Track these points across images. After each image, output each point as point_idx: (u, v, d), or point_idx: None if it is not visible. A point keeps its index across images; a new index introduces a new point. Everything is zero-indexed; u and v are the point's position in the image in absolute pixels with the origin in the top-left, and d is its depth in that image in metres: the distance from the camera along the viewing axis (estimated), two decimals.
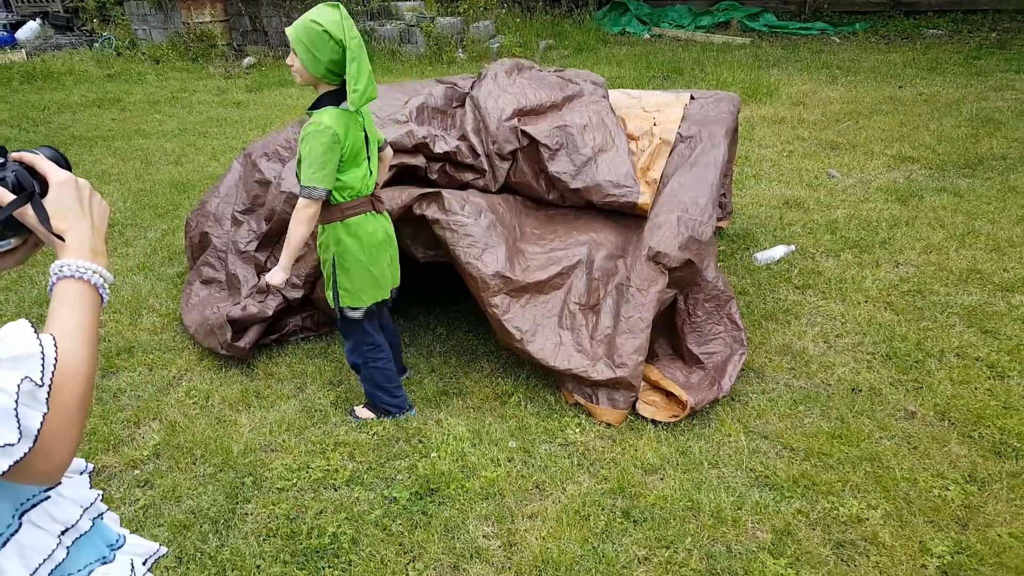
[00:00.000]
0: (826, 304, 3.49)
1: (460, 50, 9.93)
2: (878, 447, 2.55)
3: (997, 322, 3.25)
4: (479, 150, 3.24)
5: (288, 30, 2.36)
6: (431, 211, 2.86)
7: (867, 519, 2.25)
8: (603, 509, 2.34)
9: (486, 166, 3.24)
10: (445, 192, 2.87)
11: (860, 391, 2.86)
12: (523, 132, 3.20)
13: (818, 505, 2.32)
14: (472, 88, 3.54)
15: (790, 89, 7.63)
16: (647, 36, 11.30)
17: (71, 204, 0.98)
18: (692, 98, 3.64)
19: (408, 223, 2.99)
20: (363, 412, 2.86)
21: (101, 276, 0.96)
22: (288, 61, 2.43)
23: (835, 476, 2.43)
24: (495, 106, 3.27)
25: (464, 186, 3.25)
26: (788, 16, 11.64)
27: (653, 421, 2.73)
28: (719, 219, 4.15)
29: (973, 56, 8.71)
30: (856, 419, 2.70)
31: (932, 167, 5.24)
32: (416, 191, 2.91)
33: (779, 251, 3.99)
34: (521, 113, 3.28)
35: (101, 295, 0.96)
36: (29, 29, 11.70)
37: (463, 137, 3.28)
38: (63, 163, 1.04)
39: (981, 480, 2.38)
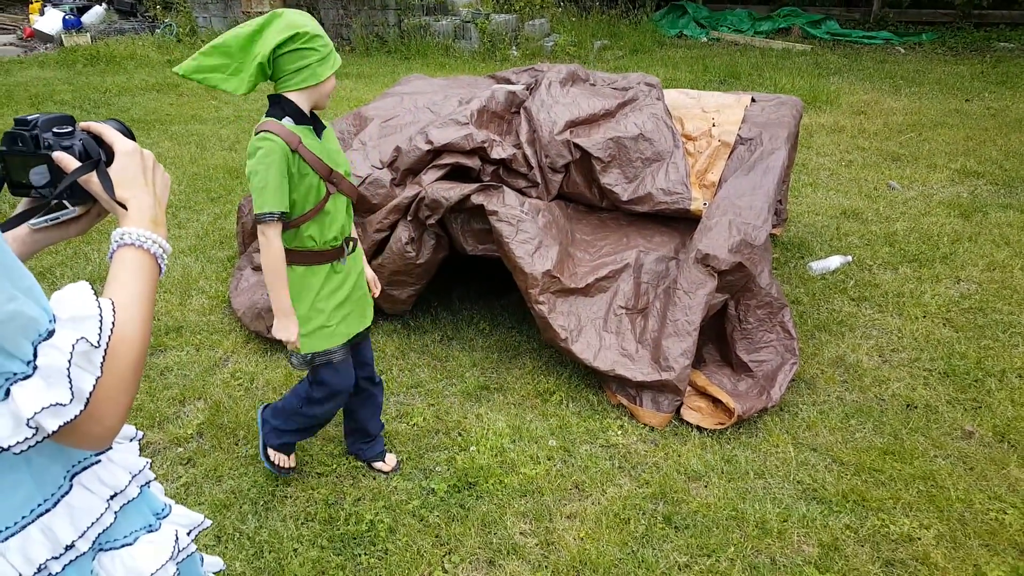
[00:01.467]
0: (882, 318, 3.37)
1: (514, 47, 9.91)
2: (932, 466, 2.45)
3: None
4: (532, 161, 3.23)
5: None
6: (491, 203, 2.85)
7: (919, 539, 2.16)
8: (644, 513, 2.29)
9: (539, 178, 3.23)
10: (506, 187, 2.86)
11: (915, 408, 2.76)
12: (575, 145, 3.17)
13: (868, 522, 2.23)
14: (528, 98, 3.52)
15: (851, 98, 7.43)
16: (704, 39, 11.13)
17: (135, 174, 0.98)
18: (753, 100, 3.55)
19: (460, 213, 2.99)
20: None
21: (160, 246, 0.95)
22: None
23: (887, 493, 2.34)
24: (547, 118, 3.25)
25: (517, 193, 3.24)
26: (852, 24, 11.34)
27: (698, 428, 2.67)
28: (773, 226, 4.06)
29: None
30: (910, 436, 2.60)
31: (998, 183, 5.04)
32: (475, 185, 2.91)
33: (835, 261, 3.87)
34: (573, 124, 3.26)
35: (160, 265, 0.96)
36: (95, 14, 12.04)
37: (518, 145, 3.27)
38: (129, 135, 1.04)
39: None
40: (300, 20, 1.90)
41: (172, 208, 4.81)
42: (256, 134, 1.93)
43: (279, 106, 1.97)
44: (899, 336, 3.23)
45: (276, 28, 1.88)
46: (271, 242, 1.96)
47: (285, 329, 2.03)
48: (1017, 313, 3.35)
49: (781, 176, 3.07)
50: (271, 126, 1.93)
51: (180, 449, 2.64)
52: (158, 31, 11.55)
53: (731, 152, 3.18)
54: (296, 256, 2.06)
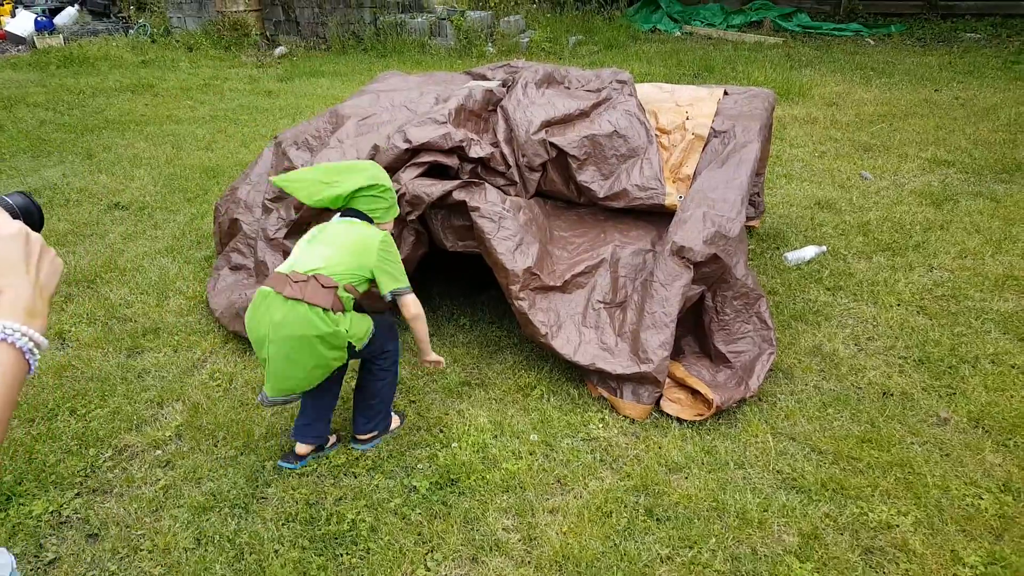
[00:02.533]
0: (857, 306, 3.42)
1: (490, 44, 9.90)
2: (909, 453, 2.49)
3: None
4: (510, 160, 3.23)
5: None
6: (473, 199, 2.85)
7: (897, 526, 2.20)
8: (626, 506, 2.30)
9: (517, 177, 3.23)
10: (488, 184, 2.86)
11: (891, 395, 2.80)
12: (551, 144, 3.18)
13: (847, 510, 2.26)
14: (505, 96, 3.51)
15: (823, 90, 7.51)
16: (678, 34, 11.18)
17: (15, 260, 0.88)
18: (726, 93, 3.58)
19: (440, 209, 2.98)
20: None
21: (32, 339, 0.85)
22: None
23: (864, 481, 2.37)
24: (524, 117, 3.25)
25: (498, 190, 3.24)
26: (822, 17, 11.46)
27: (678, 419, 2.69)
28: (751, 219, 4.09)
29: (1012, 61, 8.51)
30: (887, 424, 2.64)
31: (968, 171, 5.12)
32: (456, 181, 2.90)
33: (810, 251, 3.92)
34: (549, 124, 3.26)
35: (28, 361, 0.85)
36: (67, 15, 11.84)
37: (496, 144, 3.27)
38: (35, 213, 0.95)
39: (1016, 490, 2.31)
40: (382, 175, 2.47)
41: (148, 209, 4.76)
42: (370, 232, 2.39)
43: (361, 215, 2.44)
44: (874, 324, 3.27)
45: (363, 175, 2.41)
46: (418, 304, 2.45)
47: (438, 358, 2.57)
48: (989, 300, 3.41)
49: (754, 168, 3.09)
50: (384, 228, 2.49)
51: (158, 452, 2.61)
52: (132, 32, 11.39)
53: (705, 145, 3.20)
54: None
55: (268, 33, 11.02)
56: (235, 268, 3.67)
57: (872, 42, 10.16)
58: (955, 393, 2.79)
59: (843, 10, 11.38)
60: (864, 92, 7.41)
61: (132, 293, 3.70)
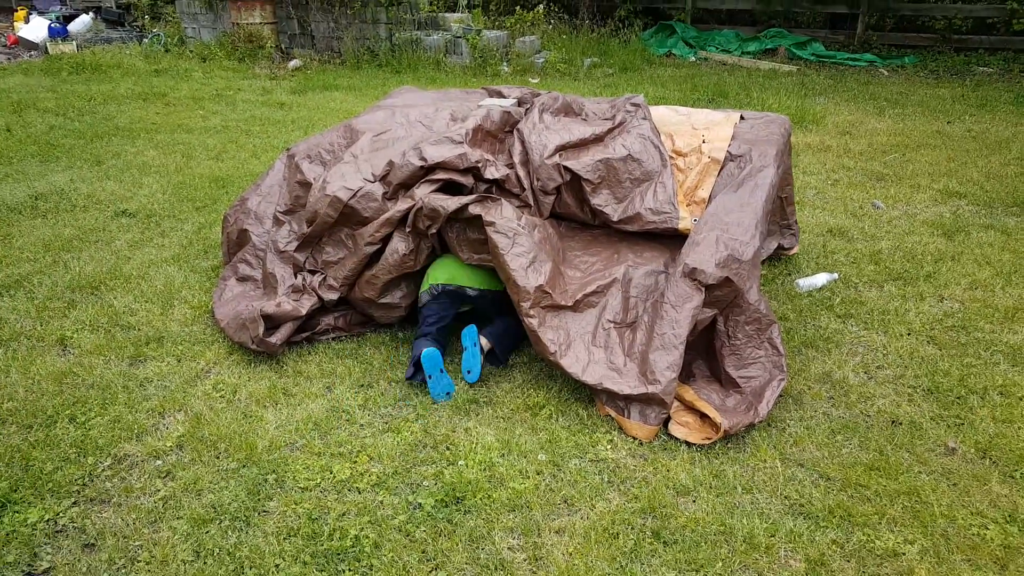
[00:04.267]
0: (868, 335, 3.39)
1: (505, 63, 9.97)
2: (917, 482, 2.45)
3: None
4: (525, 183, 3.24)
5: None
6: (489, 214, 2.86)
7: (903, 554, 2.16)
8: (632, 528, 2.27)
9: (531, 200, 3.24)
10: (504, 200, 2.86)
11: (900, 424, 2.77)
12: (565, 168, 3.18)
13: (854, 537, 2.23)
14: (522, 118, 3.51)
15: (836, 118, 7.53)
16: (693, 59, 11.25)
17: None
18: (742, 118, 3.58)
19: (456, 222, 2.98)
20: None
21: None
22: None
23: (872, 508, 2.34)
24: (539, 141, 3.26)
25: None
26: (836, 46, 11.52)
27: (686, 442, 2.66)
28: (787, 249, 4.08)
29: None
30: (895, 452, 2.61)
31: (980, 204, 5.11)
32: (473, 196, 2.91)
33: (821, 279, 3.90)
34: (564, 148, 3.27)
35: None
36: (81, 23, 11.95)
37: (511, 165, 3.28)
38: None
39: (1022, 521, 2.28)
40: None
41: (156, 217, 4.77)
42: None
43: None
44: (884, 353, 3.24)
45: None
46: None
47: None
48: (999, 332, 3.39)
49: (770, 194, 3.09)
50: None
51: (159, 462, 2.59)
52: (146, 41, 11.49)
53: (721, 169, 3.20)
54: None
55: (283, 46, 11.11)
56: (242, 279, 3.66)
57: (886, 73, 10.21)
58: (963, 423, 2.76)
59: (857, 40, 11.45)
60: (877, 122, 7.43)
61: (136, 301, 3.69)
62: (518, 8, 11.42)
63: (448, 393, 2.90)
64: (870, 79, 9.72)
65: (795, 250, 4.14)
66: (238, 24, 10.72)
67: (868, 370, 3.13)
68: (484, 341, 3.02)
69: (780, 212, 3.79)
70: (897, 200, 5.22)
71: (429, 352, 2.86)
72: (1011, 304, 3.62)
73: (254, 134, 6.88)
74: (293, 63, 10.37)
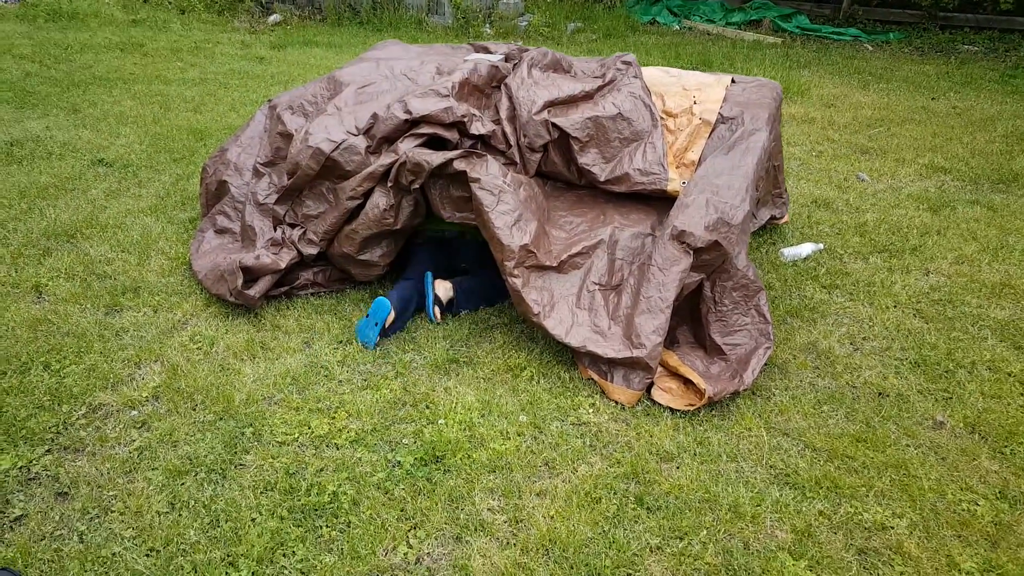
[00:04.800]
0: (853, 306, 3.38)
1: (488, 25, 9.76)
2: (905, 455, 2.45)
3: None
4: (511, 140, 3.14)
5: None
6: (474, 170, 2.77)
7: (892, 527, 2.16)
8: (615, 493, 2.25)
9: (517, 157, 3.15)
10: (490, 156, 2.77)
11: (887, 396, 2.76)
12: (553, 125, 3.10)
13: (841, 509, 2.22)
14: (509, 73, 3.41)
15: (821, 91, 7.48)
16: (677, 27, 11.10)
17: None
18: (733, 81, 3.51)
19: (439, 178, 2.90)
20: None
21: None
22: None
23: (859, 480, 2.33)
24: (527, 97, 3.16)
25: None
26: (821, 20, 11.42)
27: (670, 409, 2.63)
28: (779, 217, 4.04)
29: (1009, 75, 8.53)
30: (882, 424, 2.60)
31: (965, 179, 5.11)
32: (458, 151, 2.82)
33: (806, 248, 3.87)
34: (552, 104, 3.17)
35: None
36: None
37: (497, 121, 3.18)
38: None
39: (1012, 498, 2.28)
40: None
41: (132, 167, 4.62)
42: None
43: None
44: (870, 325, 3.24)
45: None
46: None
47: None
48: (986, 307, 3.39)
49: (762, 157, 3.04)
50: None
51: (134, 412, 2.51)
52: None
53: (712, 131, 3.14)
54: None
55: (263, 1, 10.78)
56: (220, 231, 3.56)
57: (871, 48, 10.15)
58: (951, 398, 2.76)
59: (843, 15, 11.35)
60: (862, 96, 7.39)
61: (113, 250, 3.57)
62: None
63: (365, 344, 2.92)
64: (855, 54, 9.66)
65: (785, 219, 4.11)
66: None
67: (854, 341, 3.12)
68: (441, 290, 3.10)
69: (773, 181, 3.74)
70: (882, 173, 5.20)
71: (379, 301, 2.89)
72: (997, 280, 3.62)
73: (233, 87, 6.68)
74: (273, 18, 10.07)
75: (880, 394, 2.77)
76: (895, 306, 3.39)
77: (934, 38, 10.55)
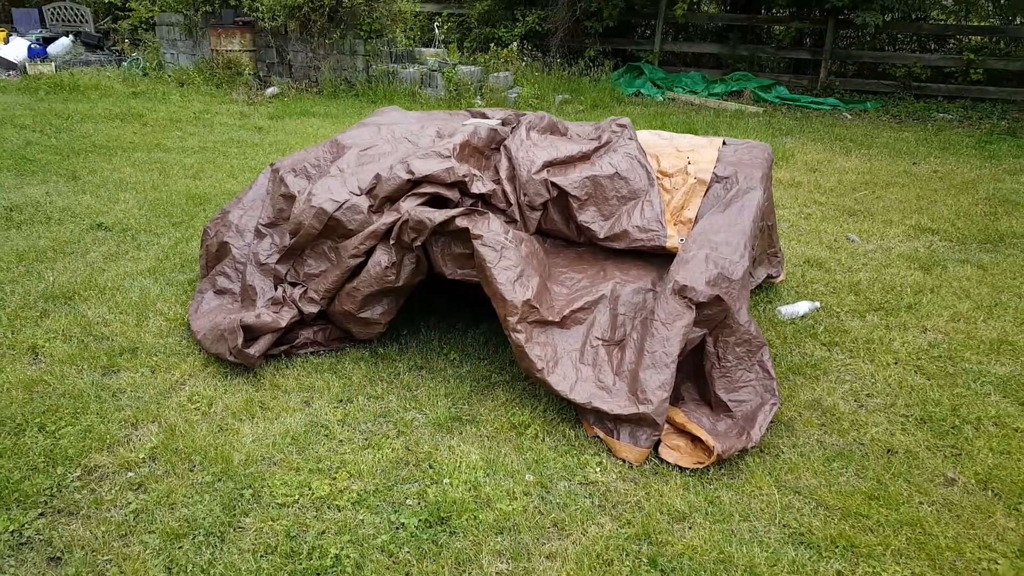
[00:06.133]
0: (854, 363, 3.39)
1: (479, 97, 10.05)
2: (919, 512, 2.41)
3: None
4: (512, 198, 3.21)
5: None
6: (476, 227, 2.80)
7: None
8: (627, 555, 2.18)
9: (517, 215, 3.20)
10: (491, 213, 2.81)
11: (896, 453, 2.73)
12: (552, 183, 3.16)
13: (859, 568, 2.16)
14: (508, 136, 3.50)
15: (805, 156, 7.68)
16: (661, 99, 11.46)
17: None
18: (724, 143, 3.61)
19: (441, 236, 2.92)
20: None
21: None
22: None
23: (875, 539, 2.28)
24: (526, 157, 3.24)
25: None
26: (800, 90, 11.83)
27: (678, 467, 2.59)
28: (775, 276, 4.09)
29: (985, 140, 8.82)
30: (893, 481, 2.56)
31: (952, 240, 5.21)
32: (460, 209, 2.85)
33: (803, 307, 3.90)
34: (551, 164, 3.25)
35: None
36: (61, 45, 11.81)
37: (497, 181, 3.25)
38: None
39: None
40: None
41: (132, 231, 4.63)
42: None
43: None
44: (872, 381, 3.23)
45: None
46: None
47: None
48: (986, 363, 3.40)
49: (757, 215, 3.09)
50: None
51: (131, 474, 2.45)
52: (125, 64, 11.39)
53: (707, 190, 3.20)
54: None
55: (261, 73, 11.09)
56: (220, 292, 3.55)
57: (849, 116, 10.49)
58: (960, 454, 2.74)
59: (820, 85, 11.78)
60: (845, 161, 7.59)
61: (111, 312, 3.54)
62: (492, 45, 11.58)
63: None
64: (835, 122, 9.98)
65: (781, 278, 4.15)
66: (217, 51, 10.69)
67: (858, 398, 3.11)
68: None
69: (767, 240, 3.80)
70: (871, 234, 5.29)
71: None
72: (995, 336, 3.65)
73: (232, 155, 6.79)
74: (271, 90, 10.34)
75: (889, 451, 2.74)
76: (896, 363, 3.39)
77: (910, 107, 10.94)
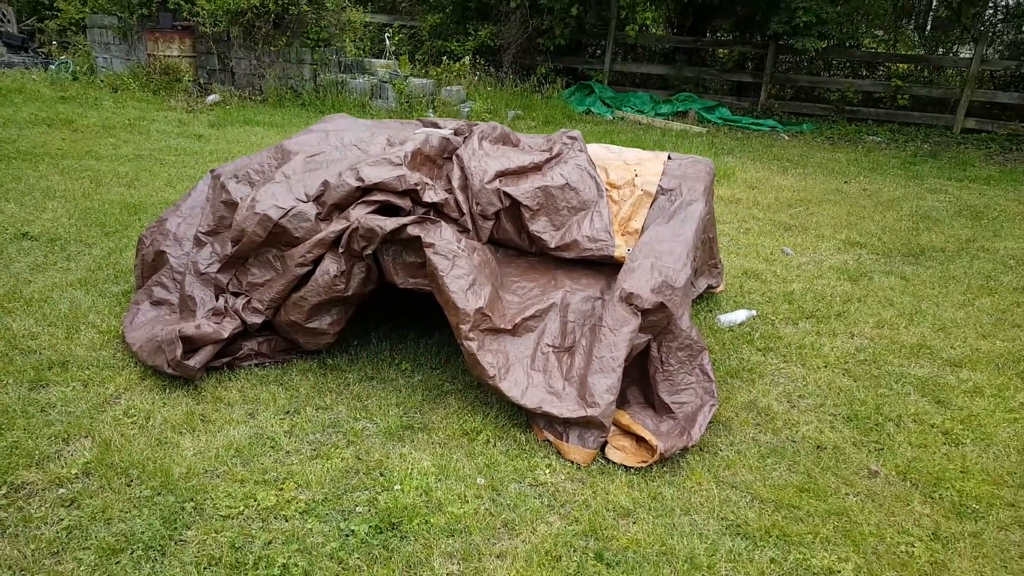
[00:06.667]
0: (787, 367, 3.53)
1: (431, 111, 10.06)
2: (845, 503, 2.53)
3: (948, 393, 3.33)
4: (464, 208, 3.23)
5: None
6: (428, 235, 2.81)
7: (839, 571, 2.21)
8: (575, 550, 2.23)
9: (470, 225, 3.23)
10: (443, 222, 2.83)
11: (824, 449, 2.86)
12: (505, 193, 3.21)
13: (791, 556, 2.26)
14: (460, 145, 3.53)
15: (744, 175, 7.96)
16: (610, 117, 11.71)
17: None
18: (670, 157, 3.73)
19: (392, 244, 2.92)
20: None
21: None
22: None
23: (805, 528, 2.39)
24: (479, 167, 3.27)
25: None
26: (741, 112, 12.27)
27: (624, 466, 2.65)
28: (715, 286, 4.22)
29: (909, 162, 9.30)
30: (822, 475, 2.69)
31: (878, 253, 5.48)
32: (412, 217, 2.86)
33: (741, 315, 4.04)
34: (504, 174, 3.30)
35: None
36: None
37: (450, 190, 3.27)
38: None
39: (944, 539, 2.38)
40: None
41: (61, 241, 4.47)
42: None
43: None
44: (804, 384, 3.37)
45: None
46: None
47: None
48: (906, 365, 3.59)
49: (700, 226, 3.20)
50: None
51: (62, 490, 2.36)
52: (52, 67, 10.98)
53: (653, 202, 3.30)
54: None
55: (201, 80, 10.86)
56: (157, 303, 3.46)
57: (787, 137, 10.92)
58: (883, 449, 2.89)
59: (760, 107, 12.25)
60: (781, 179, 7.90)
61: (38, 324, 3.41)
62: (444, 59, 11.62)
63: None
64: (772, 142, 10.38)
65: (721, 288, 4.29)
66: (154, 56, 10.42)
67: (790, 399, 3.24)
68: None
69: (708, 252, 3.93)
70: (804, 248, 5.52)
71: None
72: (915, 341, 3.86)
73: (169, 163, 6.62)
74: (212, 98, 10.13)
75: (818, 447, 2.87)
76: (825, 366, 3.55)
77: (842, 129, 11.46)
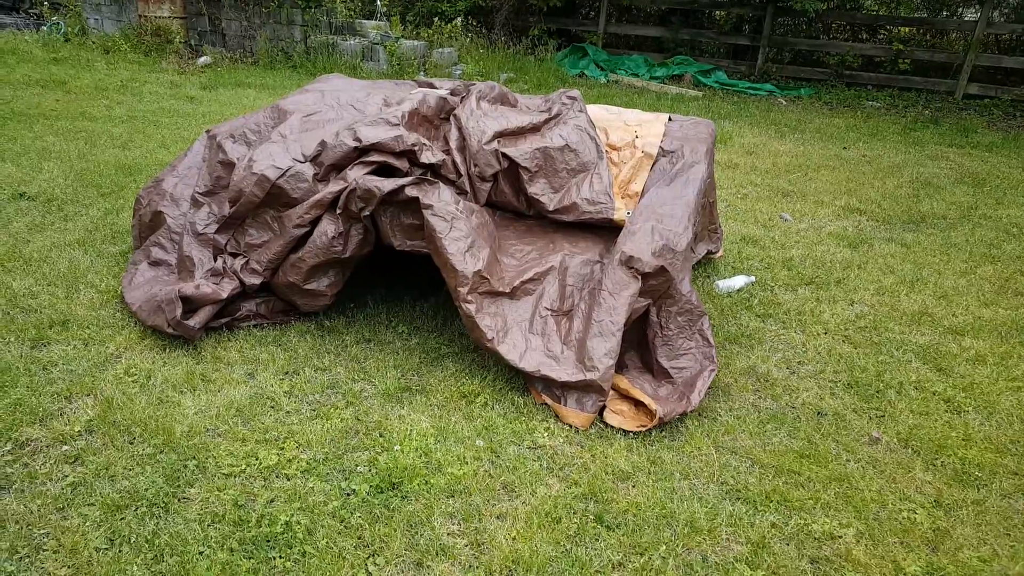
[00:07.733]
0: (787, 333, 3.53)
1: (422, 72, 9.92)
2: (846, 469, 2.55)
3: (950, 361, 3.34)
4: (461, 169, 3.19)
5: None
6: (426, 197, 2.78)
7: (840, 536, 2.23)
8: (575, 512, 2.25)
9: (467, 186, 3.19)
10: (441, 183, 2.79)
11: (825, 415, 2.88)
12: (503, 155, 3.16)
13: (791, 520, 2.28)
14: (458, 105, 3.47)
15: (742, 140, 7.89)
16: (604, 81, 11.55)
17: None
18: (670, 119, 3.68)
19: (390, 206, 2.89)
20: None
21: None
22: None
23: (806, 494, 2.41)
24: (477, 127, 3.22)
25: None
26: (738, 76, 12.12)
27: (622, 430, 2.66)
28: (714, 252, 4.20)
29: (910, 128, 9.22)
30: (823, 441, 2.70)
31: (878, 220, 5.45)
32: (410, 178, 2.83)
33: (739, 281, 4.04)
34: (502, 135, 3.25)
35: None
36: None
37: (447, 151, 3.23)
38: None
39: (947, 506, 2.40)
40: None
41: (58, 201, 4.43)
42: None
43: None
44: (803, 350, 3.38)
45: None
46: None
47: None
48: (907, 333, 3.60)
49: (701, 188, 3.17)
50: None
51: (66, 447, 2.37)
52: (44, 29, 10.77)
53: (654, 164, 3.27)
54: None
55: (192, 42, 10.67)
56: (155, 263, 3.44)
57: (784, 102, 10.80)
58: (884, 416, 2.90)
59: (758, 71, 12.09)
60: (779, 144, 7.83)
61: (38, 283, 3.39)
62: (436, 20, 11.42)
63: None
64: (770, 107, 10.27)
65: (720, 254, 4.28)
66: (145, 17, 10.22)
67: (790, 365, 3.25)
68: None
69: (709, 217, 3.91)
70: (803, 214, 5.49)
71: None
72: (916, 309, 3.86)
73: (163, 125, 6.53)
74: (203, 60, 9.96)
75: (819, 413, 2.88)
76: (825, 333, 3.55)
77: (841, 94, 11.33)
